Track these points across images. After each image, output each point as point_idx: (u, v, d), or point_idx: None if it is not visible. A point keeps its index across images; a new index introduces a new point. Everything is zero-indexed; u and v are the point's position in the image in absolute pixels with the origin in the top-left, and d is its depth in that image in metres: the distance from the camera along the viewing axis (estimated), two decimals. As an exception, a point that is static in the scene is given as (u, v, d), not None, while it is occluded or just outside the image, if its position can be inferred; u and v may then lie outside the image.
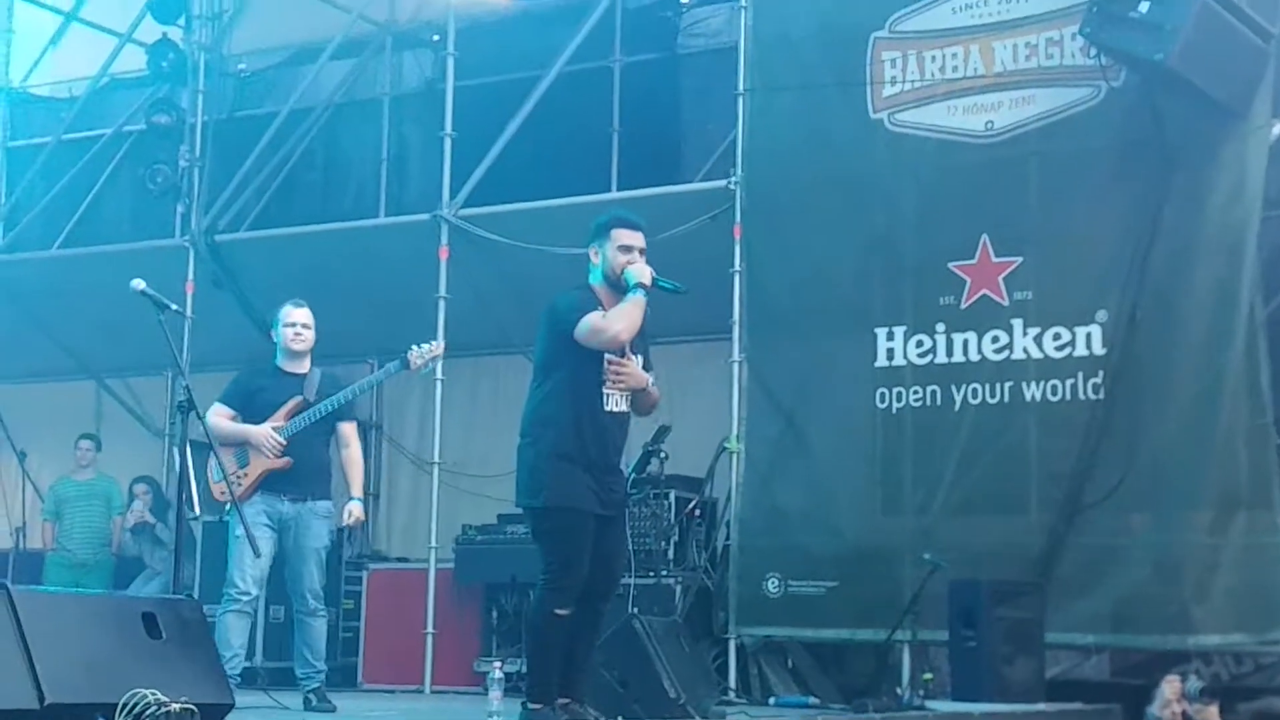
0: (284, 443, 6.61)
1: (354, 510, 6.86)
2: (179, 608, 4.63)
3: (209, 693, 4.30)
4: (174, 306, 5.70)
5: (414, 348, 6.92)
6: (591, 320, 5.34)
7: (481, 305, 9.35)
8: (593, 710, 5.38)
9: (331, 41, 9.95)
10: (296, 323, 6.80)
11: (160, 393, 11.04)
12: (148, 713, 3.79)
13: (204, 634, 4.67)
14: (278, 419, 6.72)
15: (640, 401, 5.56)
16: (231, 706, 4.42)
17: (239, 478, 6.63)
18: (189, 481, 8.44)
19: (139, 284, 5.64)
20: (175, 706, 3.86)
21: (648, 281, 5.39)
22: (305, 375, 6.85)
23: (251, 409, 6.75)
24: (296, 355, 6.81)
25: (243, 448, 6.68)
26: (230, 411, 6.75)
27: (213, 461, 6.58)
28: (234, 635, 6.56)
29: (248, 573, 6.57)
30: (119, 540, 10.05)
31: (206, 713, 4.14)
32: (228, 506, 6.58)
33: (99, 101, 10.99)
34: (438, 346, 7.09)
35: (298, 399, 6.74)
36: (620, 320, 5.34)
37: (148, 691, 3.88)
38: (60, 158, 10.84)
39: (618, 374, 5.40)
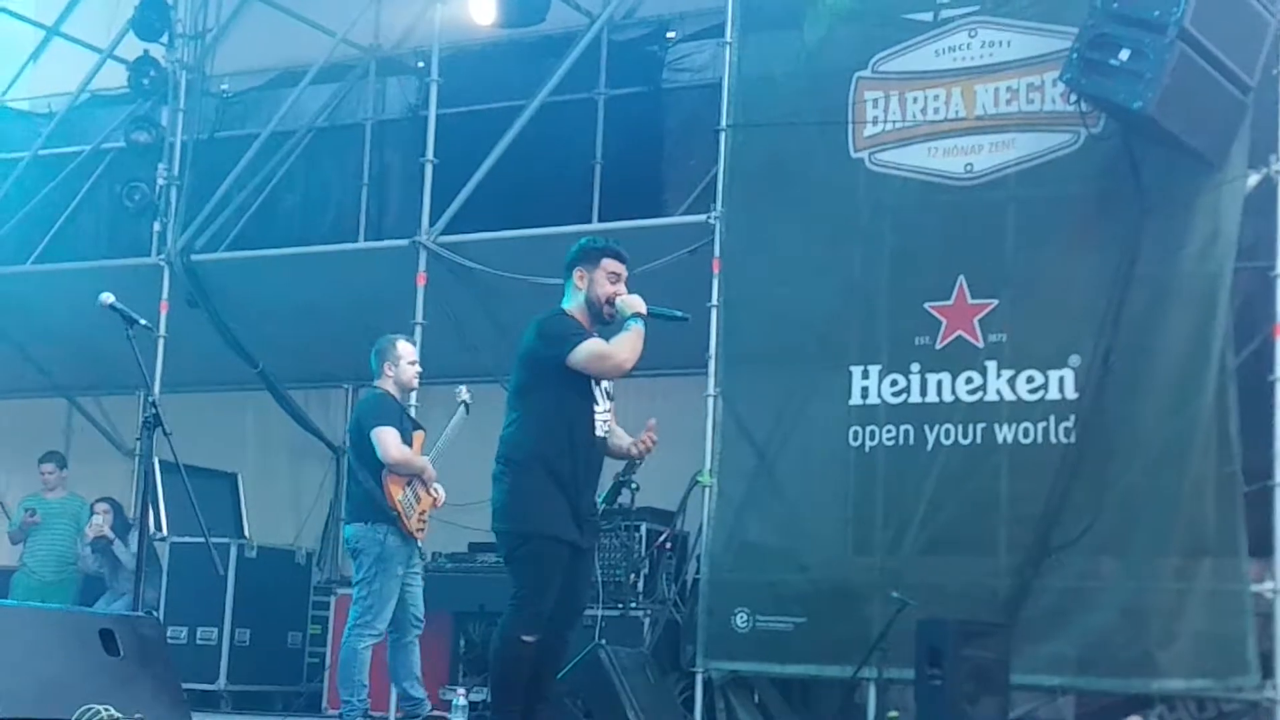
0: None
1: None
2: (139, 625, 4.59)
3: (165, 710, 4.26)
4: (142, 321, 5.68)
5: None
6: (595, 347, 5.33)
7: (458, 333, 9.34)
8: (555, 739, 5.36)
9: (315, 65, 9.95)
10: (416, 361, 6.99)
11: (132, 412, 10.96)
12: (101, 728, 3.75)
13: (163, 652, 4.63)
14: (419, 453, 6.88)
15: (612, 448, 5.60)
16: (188, 726, 4.38)
17: (423, 516, 6.81)
18: (157, 500, 8.40)
19: (107, 298, 5.62)
20: (129, 723, 3.82)
21: (643, 310, 5.40)
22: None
23: None
24: (412, 391, 7.03)
25: (413, 481, 6.79)
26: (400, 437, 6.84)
27: (404, 492, 6.72)
28: (366, 668, 6.70)
29: (392, 610, 6.77)
30: (81, 555, 9.97)
31: (162, 731, 4.10)
32: (418, 543, 6.79)
33: (78, 117, 10.97)
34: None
35: (422, 433, 6.91)
36: (626, 349, 5.36)
37: (101, 707, 3.83)
38: (37, 172, 10.79)
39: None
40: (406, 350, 6.95)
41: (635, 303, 5.42)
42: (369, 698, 6.66)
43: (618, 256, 5.55)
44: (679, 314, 5.57)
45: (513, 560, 5.42)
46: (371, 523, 6.65)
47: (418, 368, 6.94)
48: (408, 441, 6.86)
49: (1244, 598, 6.92)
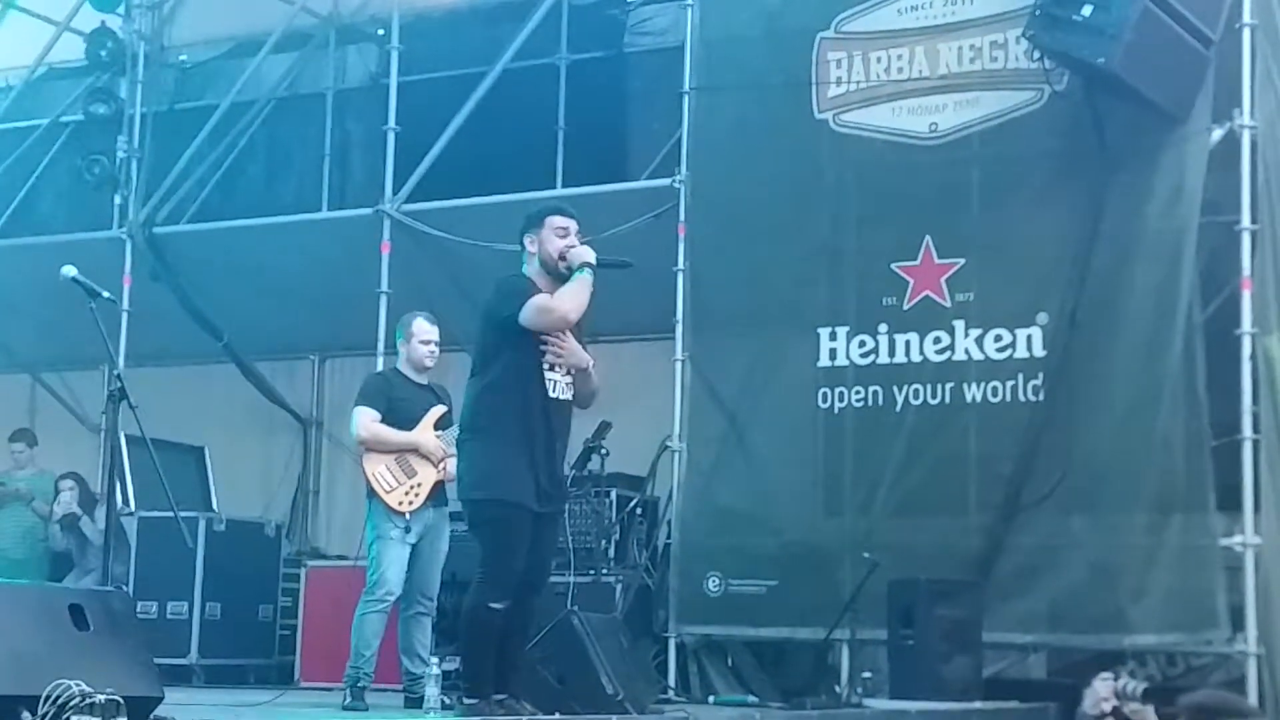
0: (451, 454, 6.48)
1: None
2: (108, 599, 4.55)
3: (137, 685, 4.22)
4: (106, 294, 5.61)
5: None
6: (538, 301, 5.33)
7: (424, 301, 9.21)
8: (529, 706, 5.34)
9: (274, 34, 9.85)
10: (431, 340, 6.87)
11: (97, 387, 10.83)
12: (71, 704, 3.71)
13: (134, 626, 4.59)
14: (426, 429, 6.73)
15: (582, 388, 5.53)
16: (160, 700, 4.34)
17: (416, 489, 6.64)
18: (124, 474, 8.33)
19: (69, 270, 5.55)
20: (100, 698, 3.78)
21: (592, 260, 5.39)
22: (430, 386, 6.90)
23: (393, 416, 6.75)
24: (426, 370, 6.88)
25: (404, 456, 6.68)
26: (378, 415, 6.74)
27: (377, 469, 6.62)
28: (375, 636, 6.57)
29: (396, 574, 6.59)
30: (50, 533, 9.89)
31: (134, 705, 4.06)
32: (406, 516, 6.60)
33: (35, 91, 10.83)
34: None
35: (442, 408, 6.77)
36: (568, 299, 5.34)
37: (72, 683, 3.80)
38: (-5, 147, 10.68)
39: (558, 351, 5.38)
40: (420, 328, 6.90)
41: (584, 253, 5.42)
42: (372, 666, 6.58)
43: (560, 212, 5.56)
44: (624, 260, 5.53)
45: (477, 527, 5.43)
46: (370, 493, 6.67)
47: (430, 346, 6.86)
48: (411, 420, 6.78)
49: (1213, 552, 6.98)
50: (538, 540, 5.38)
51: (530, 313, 5.31)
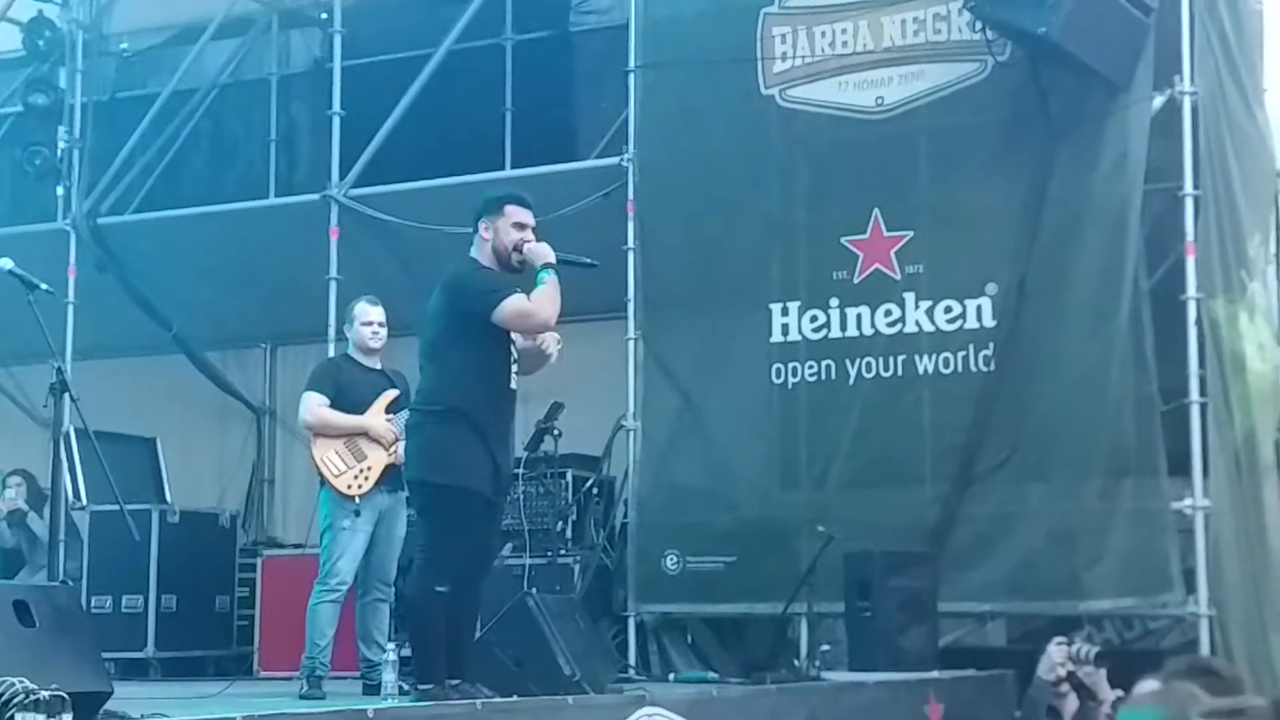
0: (400, 437, 6.45)
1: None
2: (53, 595, 4.50)
3: (85, 680, 4.17)
4: (44, 286, 5.55)
5: None
6: (518, 304, 5.27)
7: (374, 286, 9.16)
8: (484, 689, 5.32)
9: (215, 20, 9.75)
10: (373, 321, 6.82)
11: (45, 381, 10.71)
12: (15, 701, 3.66)
13: (81, 621, 4.53)
14: (377, 412, 6.67)
15: (532, 362, 5.52)
16: (109, 694, 4.29)
17: (365, 472, 6.58)
18: (74, 468, 8.25)
19: (5, 263, 5.48)
20: (45, 694, 3.73)
21: (553, 259, 5.33)
22: (383, 370, 6.83)
23: (342, 401, 6.70)
24: (373, 352, 6.81)
25: (354, 440, 6.62)
26: (326, 400, 6.69)
27: (326, 454, 6.57)
28: (329, 625, 6.53)
29: (349, 563, 6.53)
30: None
31: (82, 700, 4.01)
32: (356, 501, 6.54)
33: (-28, 83, 10.71)
34: None
35: (394, 392, 6.71)
36: (548, 305, 5.30)
37: (16, 680, 3.75)
38: (-66, 142, 10.54)
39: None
40: (361, 311, 6.87)
41: (543, 252, 5.34)
42: (328, 655, 6.55)
43: (521, 203, 5.46)
44: (587, 261, 5.51)
45: (428, 511, 5.41)
46: (322, 481, 6.62)
47: (373, 328, 6.82)
48: (361, 404, 6.72)
49: (1165, 516, 7.03)
50: (489, 525, 5.37)
51: (508, 314, 5.26)
